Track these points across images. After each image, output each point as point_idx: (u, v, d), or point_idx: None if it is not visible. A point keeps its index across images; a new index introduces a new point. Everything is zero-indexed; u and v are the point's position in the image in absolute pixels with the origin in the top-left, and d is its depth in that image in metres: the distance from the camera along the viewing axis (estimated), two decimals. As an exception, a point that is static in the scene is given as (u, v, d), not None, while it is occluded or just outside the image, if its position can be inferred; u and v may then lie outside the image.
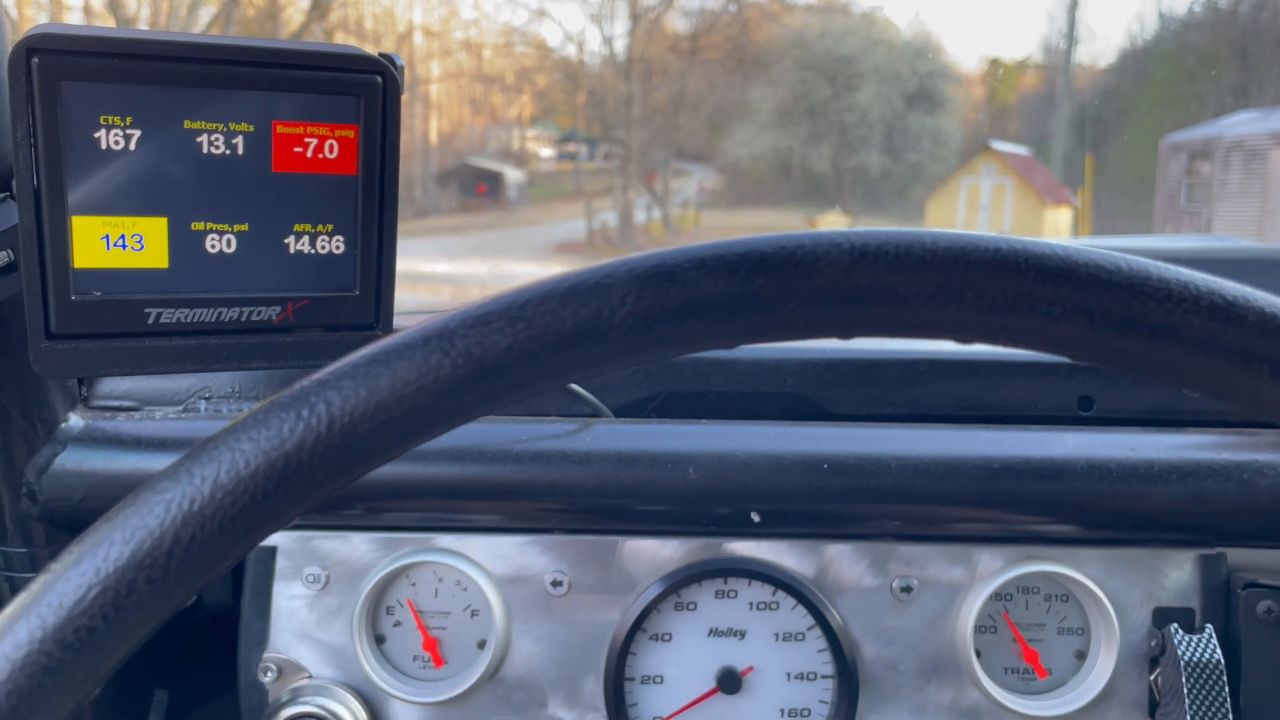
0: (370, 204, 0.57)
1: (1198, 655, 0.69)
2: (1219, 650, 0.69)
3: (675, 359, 0.81)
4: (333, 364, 0.33)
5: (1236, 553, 0.74)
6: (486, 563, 0.75)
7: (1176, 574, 0.73)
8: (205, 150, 0.53)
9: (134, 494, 0.33)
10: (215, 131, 0.53)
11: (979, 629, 0.74)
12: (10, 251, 0.57)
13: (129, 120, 0.51)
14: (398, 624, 0.76)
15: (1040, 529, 0.73)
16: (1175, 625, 0.71)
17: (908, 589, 0.74)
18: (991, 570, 0.73)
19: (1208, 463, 0.71)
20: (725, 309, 0.31)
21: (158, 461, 0.74)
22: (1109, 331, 0.30)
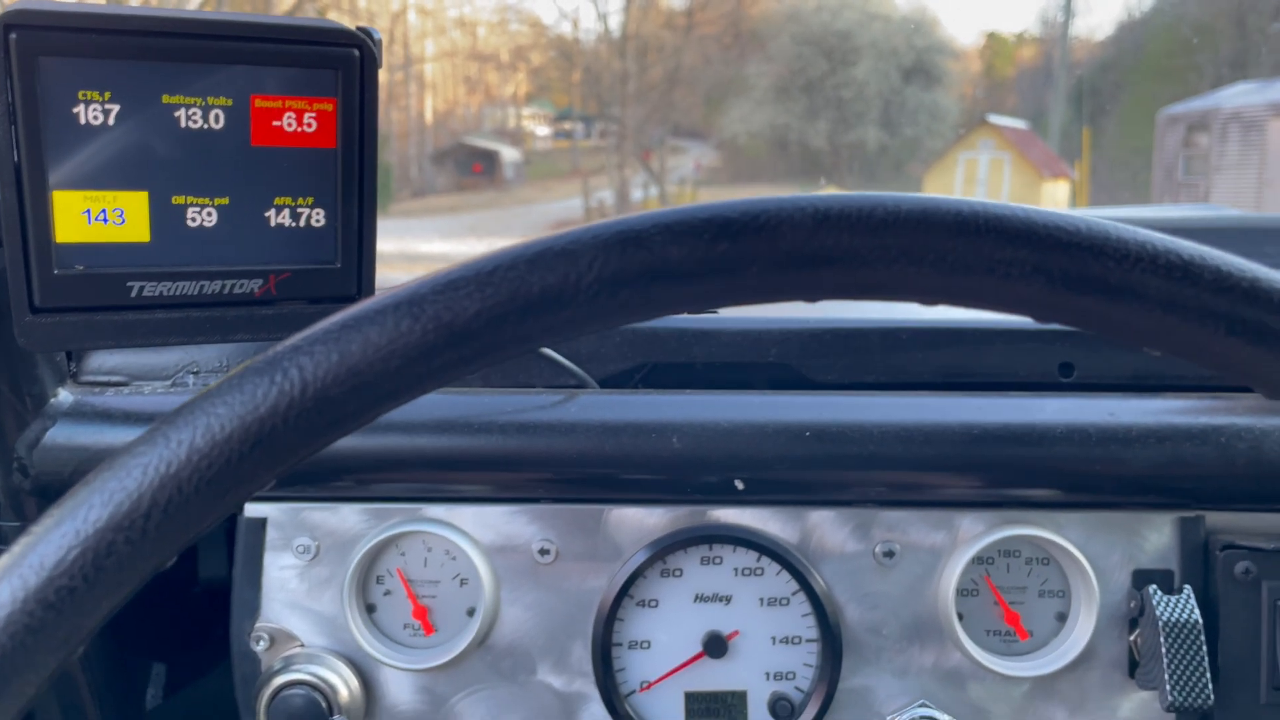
0: (350, 177, 0.57)
1: (1176, 616, 0.70)
2: (1197, 610, 0.70)
3: (657, 328, 0.81)
4: (306, 330, 0.34)
5: (1215, 515, 0.75)
6: (475, 532, 0.76)
7: (1155, 536, 0.74)
8: (184, 125, 0.54)
9: (111, 458, 0.34)
10: (194, 106, 0.54)
11: (961, 592, 0.75)
12: None
13: (108, 95, 0.52)
14: (388, 593, 0.77)
15: (1021, 493, 0.74)
16: (1154, 587, 0.72)
17: (890, 554, 0.75)
18: (973, 534, 0.74)
19: (1186, 427, 0.72)
20: (690, 273, 0.31)
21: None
22: (1068, 291, 0.31)
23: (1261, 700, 0.72)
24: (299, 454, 0.34)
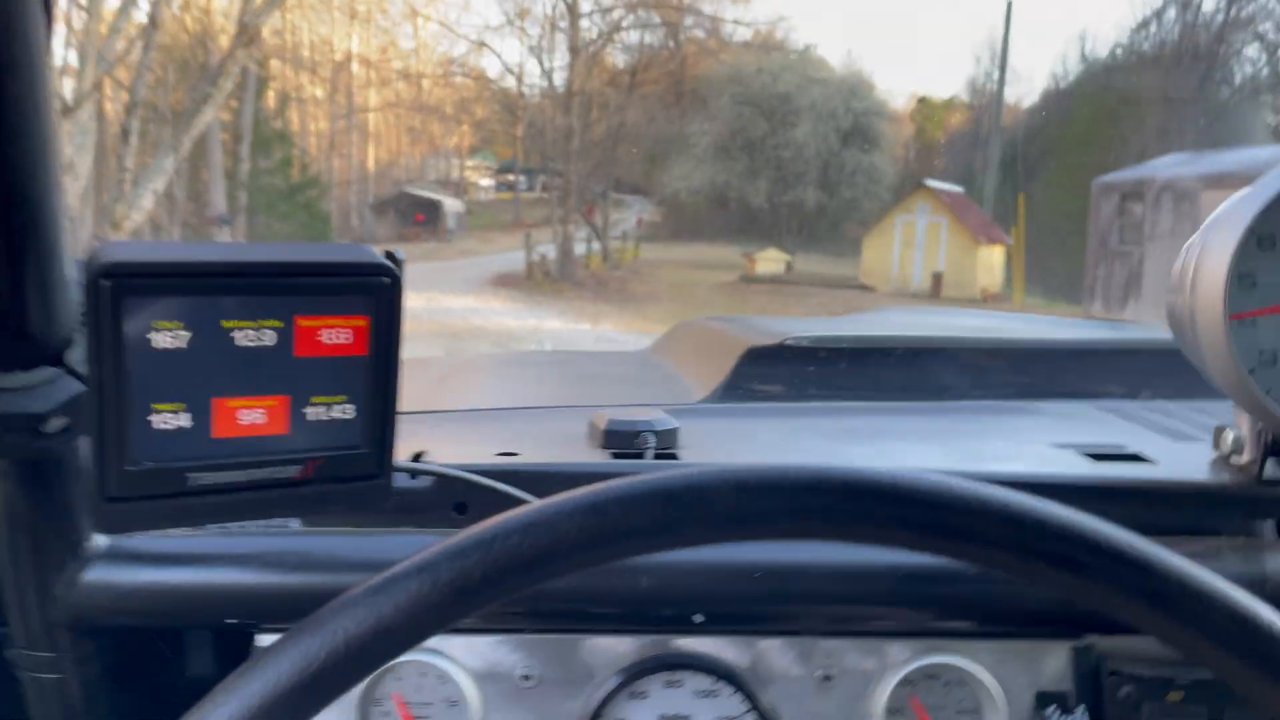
0: (378, 377, 0.68)
1: (1071, 732, 0.82)
2: (1088, 728, 0.82)
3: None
4: (346, 595, 0.45)
5: (1105, 641, 0.87)
6: (464, 660, 0.85)
7: (1054, 662, 0.86)
8: (239, 344, 0.64)
9: (198, 709, 0.44)
10: (248, 328, 0.64)
11: (889, 711, 0.86)
12: (66, 418, 0.67)
13: (178, 325, 0.62)
14: (385, 715, 0.86)
15: (939, 625, 0.86)
16: (1054, 707, 0.84)
17: (828, 678, 0.86)
18: (900, 660, 0.85)
19: (1077, 568, 0.85)
20: (642, 533, 0.43)
21: (173, 575, 0.83)
22: (924, 541, 0.44)
23: (1145, 804, 0.84)
24: (339, 690, 0.45)
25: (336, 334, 0.66)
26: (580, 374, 1.84)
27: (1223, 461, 0.92)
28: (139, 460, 0.63)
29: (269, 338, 0.65)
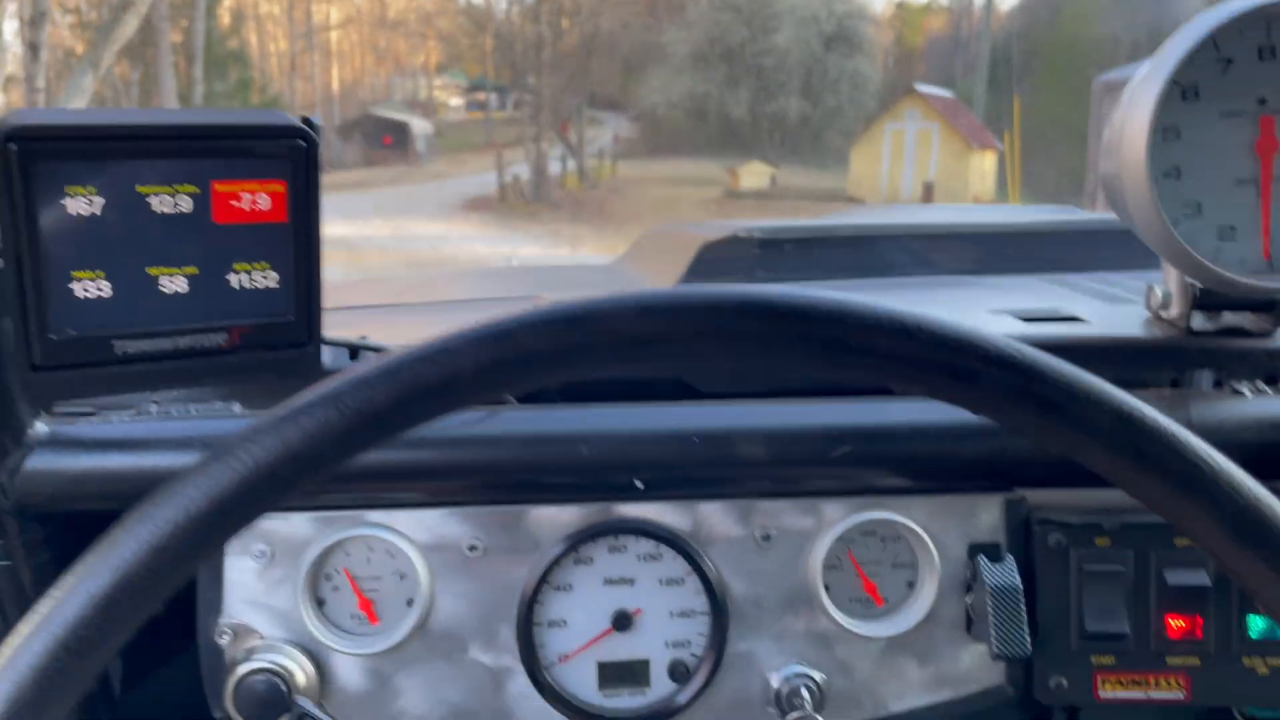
0: (299, 244, 0.68)
1: (1000, 581, 0.84)
2: (1017, 576, 0.85)
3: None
4: (254, 424, 0.46)
5: (1035, 495, 0.90)
6: (411, 533, 0.87)
7: (986, 515, 0.89)
8: (156, 209, 0.64)
9: (110, 533, 0.45)
10: (164, 193, 0.64)
11: (827, 567, 0.89)
12: None
13: (91, 190, 0.62)
14: (336, 589, 0.88)
15: (875, 483, 0.88)
16: (983, 557, 0.87)
17: (768, 537, 0.88)
18: (836, 518, 0.88)
19: (1007, 423, 0.87)
20: (547, 359, 0.44)
21: (115, 460, 0.84)
22: (825, 357, 0.45)
23: (1072, 648, 0.88)
24: (253, 515, 0.46)
25: (255, 199, 0.66)
26: (544, 280, 1.84)
27: (1153, 318, 0.93)
28: (61, 328, 0.63)
29: (186, 204, 0.65)
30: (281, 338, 0.69)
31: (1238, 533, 0.46)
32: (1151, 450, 0.47)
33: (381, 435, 0.46)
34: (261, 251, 0.68)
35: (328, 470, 0.46)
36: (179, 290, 0.66)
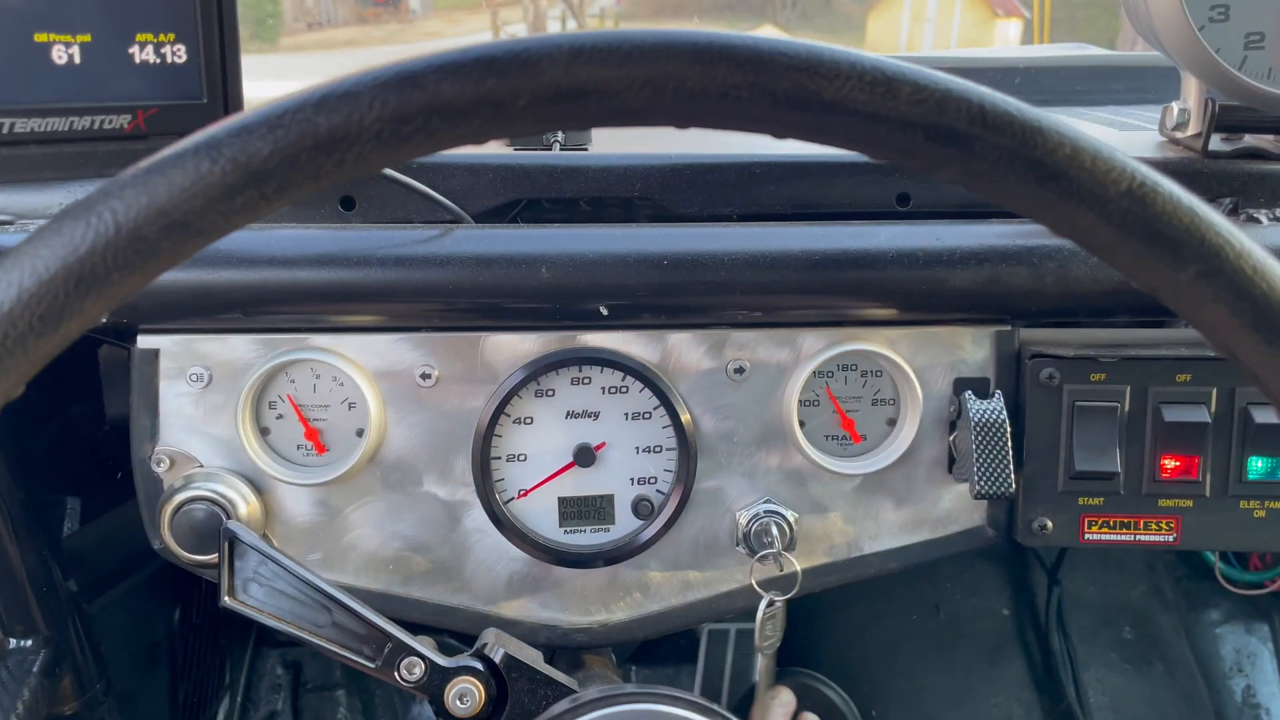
0: (209, 12, 0.60)
1: (986, 416, 0.79)
2: (1004, 412, 0.79)
3: (528, 165, 0.86)
4: (116, 175, 0.38)
5: (1027, 330, 0.84)
6: (360, 359, 0.81)
7: (974, 349, 0.83)
8: None
9: None
10: None
11: (803, 402, 0.84)
12: None
13: (-42, -67, 0.53)
14: (280, 417, 0.83)
15: (857, 313, 0.82)
16: (969, 392, 0.81)
17: (741, 370, 0.82)
18: (814, 350, 0.82)
19: (1003, 248, 0.80)
20: (462, 109, 0.36)
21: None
22: (791, 109, 0.36)
23: (1059, 489, 0.83)
24: (123, 288, 0.38)
25: (155, -42, 0.58)
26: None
27: (1168, 141, 0.86)
28: (-65, 102, 0.56)
29: (73, -42, 0.56)
30: (194, 124, 0.61)
31: (1262, 325, 0.40)
32: (1167, 230, 0.40)
33: (266, 196, 0.38)
34: (167, 20, 0.59)
35: (202, 236, 0.39)
36: (72, 61, 0.58)
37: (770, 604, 0.85)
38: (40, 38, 0.57)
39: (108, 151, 0.60)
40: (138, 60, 0.59)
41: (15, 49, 0.56)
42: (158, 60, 0.59)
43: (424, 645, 0.72)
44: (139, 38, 0.59)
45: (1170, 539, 0.82)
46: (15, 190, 0.82)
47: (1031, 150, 0.39)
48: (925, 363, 0.83)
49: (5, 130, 0.57)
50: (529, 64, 0.36)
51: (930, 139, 0.38)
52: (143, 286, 0.39)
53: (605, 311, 0.80)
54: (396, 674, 0.70)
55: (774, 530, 0.82)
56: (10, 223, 0.81)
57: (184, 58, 0.60)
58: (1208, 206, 0.40)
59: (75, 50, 0.57)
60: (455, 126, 0.37)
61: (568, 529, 0.85)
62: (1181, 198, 0.40)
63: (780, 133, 0.38)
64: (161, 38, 0.59)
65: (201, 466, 0.82)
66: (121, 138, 0.60)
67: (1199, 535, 0.82)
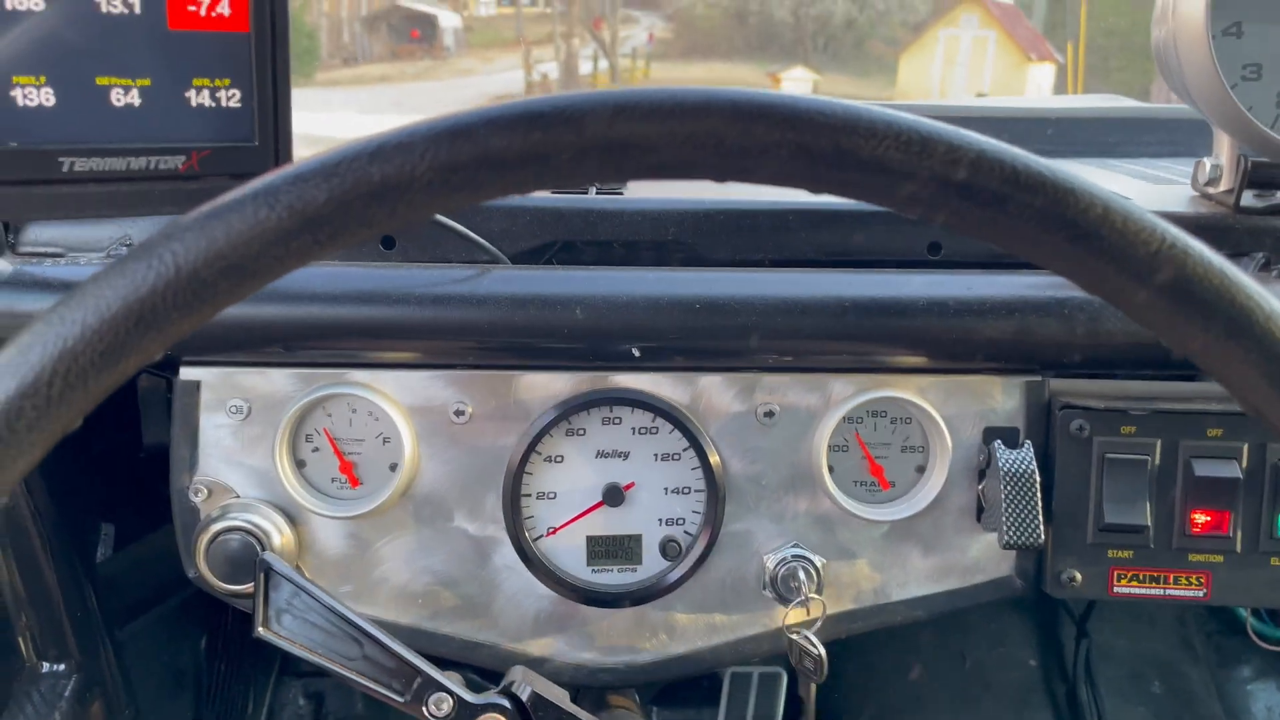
0: (264, 59, 0.62)
1: (1016, 467, 0.79)
2: (1034, 462, 0.79)
3: (563, 208, 0.87)
4: (178, 219, 0.40)
5: (1057, 381, 0.84)
6: (396, 395, 0.83)
7: (1004, 398, 0.83)
8: (104, 9, 0.58)
9: (15, 337, 0.39)
10: None
11: (832, 448, 0.84)
12: None
13: (30, -17, 0.55)
14: (316, 450, 0.84)
15: (887, 359, 0.82)
16: (999, 441, 0.81)
17: (770, 414, 0.83)
18: (844, 396, 0.83)
19: (1034, 299, 0.80)
20: (510, 161, 0.37)
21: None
22: (827, 167, 0.38)
23: (1089, 541, 0.83)
24: (179, 328, 0.39)
25: (214, 4, 0.60)
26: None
27: (1200, 196, 0.86)
28: (2, 139, 0.58)
29: (137, 4, 0.59)
30: (245, 165, 0.64)
31: None
32: (1197, 291, 0.40)
33: (320, 241, 0.40)
34: (222, 66, 0.61)
35: (257, 279, 0.40)
36: (131, 104, 0.60)
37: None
38: (102, 80, 0.59)
39: (162, 191, 0.62)
40: (194, 104, 0.61)
41: (78, 91, 0.58)
42: (213, 104, 0.61)
43: (452, 681, 0.72)
44: (196, 82, 0.61)
45: (1200, 594, 0.81)
46: (66, 225, 0.84)
47: (1064, 210, 0.40)
48: (955, 411, 0.83)
49: (66, 169, 0.59)
50: (574, 119, 0.37)
51: (964, 198, 0.39)
52: (199, 326, 0.41)
53: (637, 353, 0.81)
54: (425, 709, 0.71)
55: (801, 575, 0.82)
56: (61, 255, 0.84)
57: (239, 102, 0.62)
58: (1237, 268, 0.41)
59: (135, 94, 0.59)
60: (503, 177, 0.39)
61: (595, 568, 0.86)
62: (1211, 260, 0.41)
63: (816, 189, 0.39)
64: (217, 83, 0.61)
65: (238, 497, 0.83)
66: (176, 177, 0.62)
67: (1229, 591, 0.81)
